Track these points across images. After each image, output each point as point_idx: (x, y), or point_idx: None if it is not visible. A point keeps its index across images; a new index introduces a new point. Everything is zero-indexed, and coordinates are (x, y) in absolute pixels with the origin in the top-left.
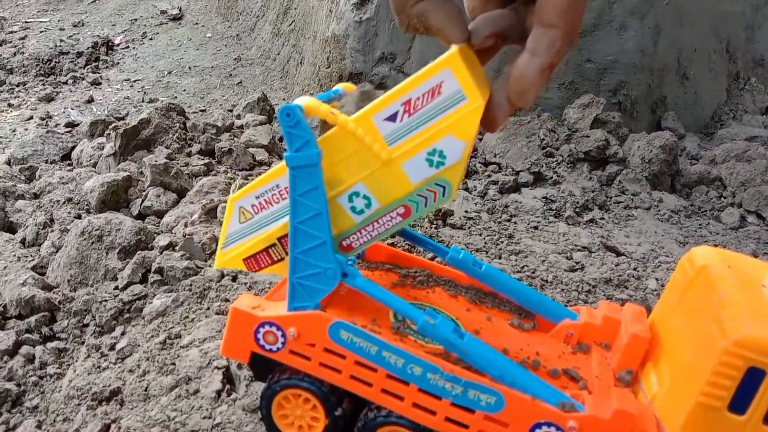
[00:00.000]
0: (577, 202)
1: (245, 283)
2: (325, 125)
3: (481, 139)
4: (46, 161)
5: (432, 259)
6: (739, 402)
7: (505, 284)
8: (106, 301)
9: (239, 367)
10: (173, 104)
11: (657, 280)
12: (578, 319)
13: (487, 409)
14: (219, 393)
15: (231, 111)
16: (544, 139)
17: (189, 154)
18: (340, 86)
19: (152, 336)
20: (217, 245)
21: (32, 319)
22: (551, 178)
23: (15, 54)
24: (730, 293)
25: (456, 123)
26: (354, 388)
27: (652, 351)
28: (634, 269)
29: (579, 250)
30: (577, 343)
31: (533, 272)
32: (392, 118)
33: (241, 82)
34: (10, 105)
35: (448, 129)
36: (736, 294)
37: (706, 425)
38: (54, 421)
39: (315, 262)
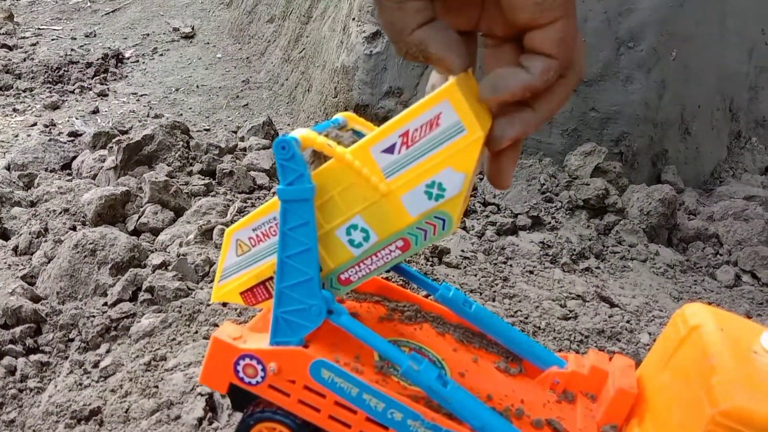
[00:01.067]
0: (574, 250)
1: (236, 309)
2: (316, 159)
3: (481, 179)
4: (46, 169)
5: (426, 296)
6: None
7: (494, 326)
8: (93, 316)
9: (223, 396)
10: (178, 122)
11: (650, 334)
12: (566, 367)
13: None
14: (200, 421)
15: (235, 132)
16: (544, 184)
17: (190, 173)
18: (341, 115)
19: (137, 356)
20: (210, 268)
21: (17, 329)
22: (549, 223)
23: (25, 59)
24: (721, 359)
25: (455, 155)
26: (332, 428)
27: (637, 407)
28: (627, 322)
29: (573, 299)
30: (563, 392)
31: (526, 318)
32: (390, 149)
33: (247, 105)
34: (15, 110)
35: (447, 161)
36: (728, 360)
37: None
38: None
39: (301, 298)
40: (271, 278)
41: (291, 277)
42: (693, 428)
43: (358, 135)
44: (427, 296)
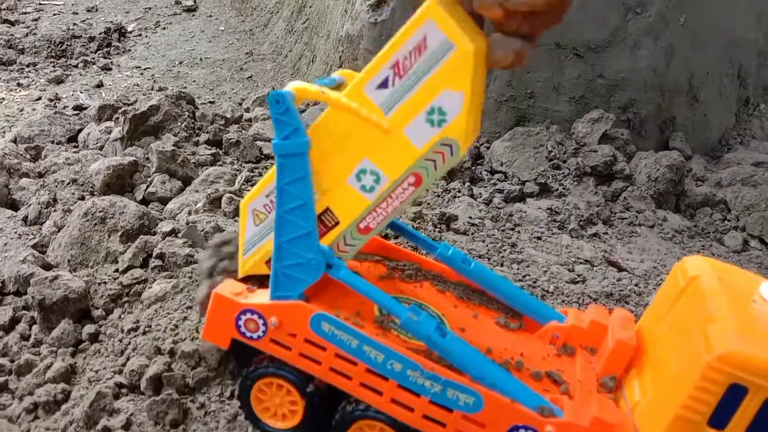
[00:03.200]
0: (582, 216)
1: None
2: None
3: (488, 147)
4: (52, 142)
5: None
6: (720, 417)
7: (494, 283)
8: (105, 283)
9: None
10: (183, 92)
11: None
12: (565, 321)
13: (465, 409)
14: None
15: (240, 104)
16: (551, 151)
17: (196, 144)
18: (338, 74)
19: (151, 319)
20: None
21: (30, 296)
22: (557, 190)
23: (27, 35)
24: (719, 307)
25: (449, 75)
26: (333, 380)
27: (637, 358)
28: (636, 285)
29: (581, 263)
30: (563, 346)
31: (534, 282)
32: (384, 84)
33: (251, 77)
34: (19, 84)
35: (442, 83)
36: (725, 308)
37: None
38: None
39: (299, 252)
40: None
41: (289, 232)
42: (690, 375)
43: None
44: (426, 256)
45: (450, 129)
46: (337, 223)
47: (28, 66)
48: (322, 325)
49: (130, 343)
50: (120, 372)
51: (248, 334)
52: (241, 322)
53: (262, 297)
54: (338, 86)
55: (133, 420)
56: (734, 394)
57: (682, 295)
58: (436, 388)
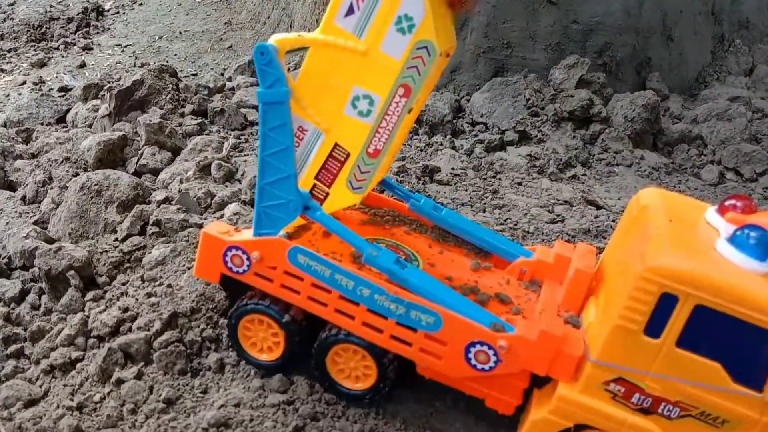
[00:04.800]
0: (561, 160)
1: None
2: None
3: (468, 100)
4: (42, 123)
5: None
6: (655, 326)
7: (463, 226)
8: (106, 251)
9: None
10: (166, 66)
11: None
12: (532, 256)
13: (427, 328)
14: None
15: (222, 75)
16: (529, 99)
17: (182, 115)
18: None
19: (154, 280)
20: (212, 200)
21: (36, 268)
22: (536, 136)
23: (5, 20)
24: (657, 228)
25: None
26: (311, 308)
27: (596, 286)
28: (613, 221)
29: (560, 204)
30: (530, 280)
31: (515, 224)
32: (350, 10)
33: (231, 46)
34: (2, 70)
35: None
36: (663, 228)
37: (623, 347)
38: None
39: (279, 194)
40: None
41: (271, 175)
42: (627, 287)
43: None
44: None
45: (420, 31)
46: (348, 155)
47: (9, 51)
48: (298, 257)
49: (136, 303)
50: (130, 330)
51: (234, 269)
52: (228, 258)
53: (246, 234)
54: None
55: (144, 371)
56: (666, 303)
57: (634, 224)
58: (401, 310)
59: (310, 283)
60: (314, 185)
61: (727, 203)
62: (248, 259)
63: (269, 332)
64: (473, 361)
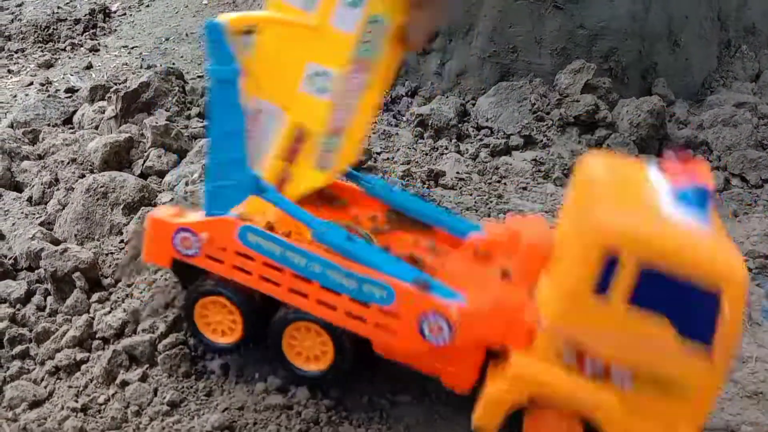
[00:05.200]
0: (566, 165)
1: None
2: None
3: (474, 104)
4: (49, 124)
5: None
6: (603, 285)
7: (416, 207)
8: (112, 253)
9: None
10: (172, 68)
11: None
12: (485, 233)
13: (380, 302)
14: None
15: None
16: (535, 104)
17: (188, 117)
18: None
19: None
20: None
21: (42, 269)
22: (541, 141)
23: (12, 21)
24: (601, 190)
25: None
26: (264, 288)
27: (549, 259)
28: None
29: None
30: (483, 254)
31: None
32: None
33: None
34: (9, 71)
35: None
36: (607, 190)
37: (575, 310)
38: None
39: (230, 174)
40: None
41: (220, 154)
42: (574, 251)
43: None
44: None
45: (371, 5)
46: (309, 134)
47: (16, 52)
48: (248, 237)
49: (141, 304)
50: (134, 332)
51: (184, 252)
52: (177, 241)
53: (194, 217)
54: None
55: (149, 373)
56: (612, 264)
57: (579, 190)
58: (353, 285)
59: (262, 263)
60: (278, 166)
61: (667, 160)
62: (198, 240)
63: (226, 314)
64: (427, 334)
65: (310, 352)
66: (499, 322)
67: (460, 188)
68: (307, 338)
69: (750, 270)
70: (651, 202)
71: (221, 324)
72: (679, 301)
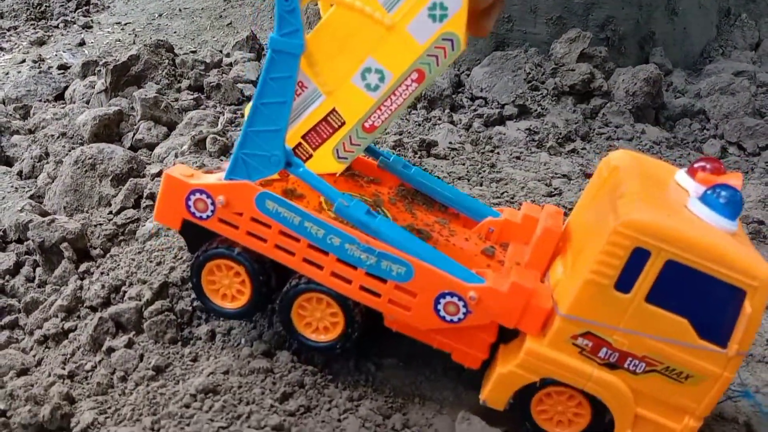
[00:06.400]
0: (560, 134)
1: None
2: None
3: (468, 75)
4: (40, 100)
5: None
6: (625, 281)
7: (433, 185)
8: (101, 224)
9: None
10: (162, 41)
11: None
12: (500, 217)
13: (397, 278)
14: None
15: (221, 51)
16: (530, 73)
17: (178, 90)
18: None
19: (148, 251)
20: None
21: (30, 240)
22: (535, 110)
23: None
24: (630, 186)
25: None
26: (278, 257)
27: (563, 246)
28: None
29: (558, 178)
30: (498, 241)
31: (512, 198)
32: None
33: (231, 23)
34: (2, 49)
35: None
36: (635, 186)
37: (593, 302)
38: None
39: (265, 145)
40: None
41: (261, 124)
42: (599, 243)
43: None
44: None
45: (451, 23)
46: (343, 123)
47: (9, 30)
48: (266, 204)
49: (129, 274)
50: (122, 300)
51: (197, 214)
52: (190, 202)
53: (211, 178)
54: None
55: (135, 340)
56: (638, 258)
57: (605, 184)
58: (372, 260)
59: (278, 231)
60: (299, 144)
61: (697, 165)
62: (213, 204)
63: (235, 279)
64: (442, 313)
65: (319, 323)
66: (517, 304)
67: (453, 158)
68: (317, 309)
69: None
70: (681, 202)
71: (229, 288)
72: (700, 300)
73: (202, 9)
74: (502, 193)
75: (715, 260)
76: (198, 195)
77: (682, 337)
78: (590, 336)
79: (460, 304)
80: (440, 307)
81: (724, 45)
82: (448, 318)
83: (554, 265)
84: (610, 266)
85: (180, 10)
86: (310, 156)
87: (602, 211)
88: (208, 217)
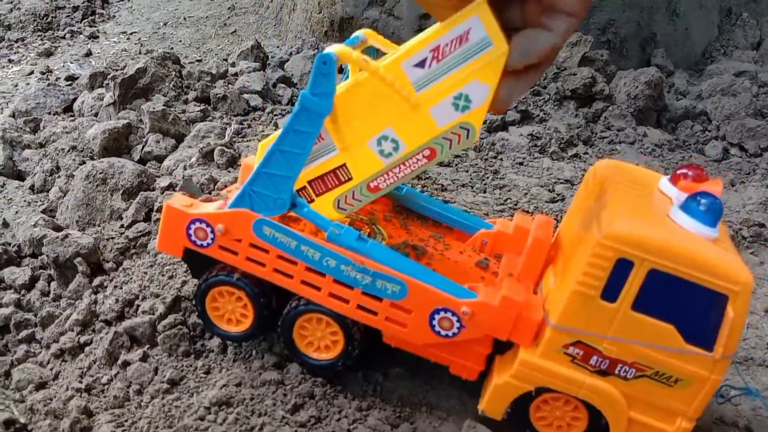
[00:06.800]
0: (563, 138)
1: None
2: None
3: None
4: (49, 113)
5: None
6: (611, 290)
7: (424, 203)
8: (112, 238)
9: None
10: (168, 53)
11: None
12: (493, 229)
13: (392, 296)
14: None
15: (226, 60)
16: None
17: (185, 101)
18: (361, 32)
19: (159, 265)
20: (214, 185)
21: (45, 255)
22: (538, 116)
23: (11, 10)
24: (613, 197)
25: (482, 68)
26: (277, 280)
27: (554, 255)
28: None
29: (561, 183)
30: (492, 252)
31: (515, 204)
32: (421, 64)
33: (235, 31)
34: (10, 61)
35: (474, 74)
36: (618, 197)
37: (581, 312)
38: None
39: (275, 186)
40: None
41: (275, 168)
42: (585, 255)
43: (370, 53)
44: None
45: (471, 115)
46: (350, 179)
47: (16, 42)
48: (264, 229)
49: (141, 288)
50: (136, 314)
51: (198, 242)
52: (191, 231)
53: (209, 208)
54: (361, 43)
55: (149, 353)
56: (622, 269)
57: (590, 194)
58: (367, 280)
59: (276, 255)
60: (304, 187)
61: (679, 172)
62: (212, 232)
63: (237, 304)
64: (437, 328)
65: (320, 342)
66: (508, 317)
67: (456, 165)
68: (317, 329)
69: (744, 238)
70: (664, 211)
71: (233, 313)
72: (685, 306)
73: (207, 17)
74: (506, 200)
75: (696, 267)
76: (198, 224)
77: (670, 342)
78: (581, 345)
79: (454, 319)
80: (435, 322)
81: (726, 45)
82: (443, 333)
83: (546, 274)
84: (595, 277)
85: (184, 18)
86: (312, 201)
87: (589, 222)
88: (208, 244)
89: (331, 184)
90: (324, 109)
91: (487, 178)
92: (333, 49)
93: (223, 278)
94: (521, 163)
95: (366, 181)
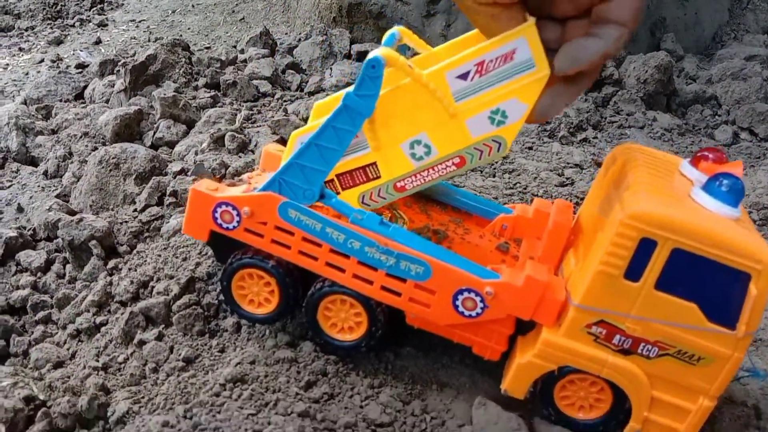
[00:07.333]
0: (572, 123)
1: None
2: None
3: None
4: (61, 100)
5: None
6: (634, 270)
7: (443, 189)
8: (126, 222)
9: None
10: (178, 40)
11: None
12: (512, 213)
13: (416, 277)
14: None
15: (235, 47)
16: None
17: (195, 88)
18: (396, 29)
19: (173, 248)
20: (226, 170)
21: (60, 239)
22: None
23: None
24: (635, 178)
25: (522, 88)
26: (302, 262)
27: (574, 239)
28: None
29: (571, 167)
30: (512, 237)
31: (525, 188)
32: (464, 76)
33: (243, 18)
34: (21, 49)
35: (514, 92)
36: (641, 178)
37: (604, 291)
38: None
39: (306, 178)
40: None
41: (309, 161)
42: (608, 235)
43: (402, 50)
44: None
45: (505, 130)
46: (378, 177)
47: (26, 30)
48: (289, 212)
49: (156, 270)
50: (150, 295)
51: (224, 225)
52: (217, 215)
53: (235, 191)
54: (397, 41)
55: (164, 332)
56: (645, 248)
57: (612, 177)
58: (391, 261)
59: (301, 238)
60: (331, 179)
61: (699, 154)
62: (238, 215)
63: (264, 288)
64: (461, 308)
65: (344, 324)
66: (532, 297)
67: None
68: (342, 310)
69: (754, 221)
70: (685, 192)
71: (257, 296)
72: (707, 285)
73: (215, 4)
74: (515, 184)
75: (719, 246)
76: (224, 207)
77: (692, 321)
78: (604, 324)
79: (478, 299)
80: (458, 303)
81: (736, 29)
82: (466, 313)
83: (567, 257)
84: (619, 257)
85: (193, 6)
86: (338, 193)
87: (610, 203)
88: (234, 227)
89: (359, 180)
90: (366, 110)
91: (496, 162)
92: (381, 52)
93: (257, 262)
94: (530, 148)
95: (393, 180)
